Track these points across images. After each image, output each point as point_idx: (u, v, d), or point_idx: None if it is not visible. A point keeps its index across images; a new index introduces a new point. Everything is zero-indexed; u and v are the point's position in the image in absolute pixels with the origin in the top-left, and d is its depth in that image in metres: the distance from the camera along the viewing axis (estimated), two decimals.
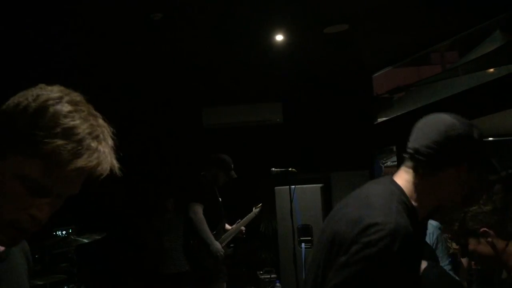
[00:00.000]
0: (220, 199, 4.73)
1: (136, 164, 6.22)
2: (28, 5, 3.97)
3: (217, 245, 4.43)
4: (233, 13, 4.58)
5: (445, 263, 3.33)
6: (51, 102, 0.95)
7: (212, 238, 4.42)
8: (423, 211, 1.46)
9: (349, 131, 6.85)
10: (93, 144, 0.95)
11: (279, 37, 5.25)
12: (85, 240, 4.68)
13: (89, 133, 0.95)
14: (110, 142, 1.00)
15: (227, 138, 6.91)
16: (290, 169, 4.61)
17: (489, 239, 1.82)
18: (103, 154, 0.96)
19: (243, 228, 4.85)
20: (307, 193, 5.57)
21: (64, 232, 5.36)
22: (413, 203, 1.42)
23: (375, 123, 7.12)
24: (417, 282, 1.48)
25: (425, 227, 1.59)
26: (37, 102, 0.94)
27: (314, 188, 5.67)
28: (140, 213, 6.80)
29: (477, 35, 5.71)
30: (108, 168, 0.97)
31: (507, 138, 7.32)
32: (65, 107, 0.95)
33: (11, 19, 4.19)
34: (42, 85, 1.01)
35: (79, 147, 0.93)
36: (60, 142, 0.91)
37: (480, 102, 5.21)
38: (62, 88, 1.00)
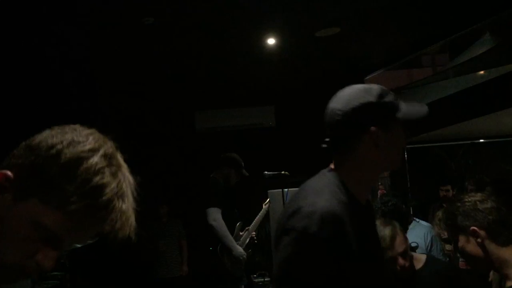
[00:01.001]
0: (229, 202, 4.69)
1: (128, 168, 6.20)
2: (23, 8, 3.95)
3: (239, 249, 4.40)
4: (225, 17, 4.58)
5: None
6: (86, 154, 0.88)
7: (234, 243, 4.39)
8: (364, 191, 1.46)
9: None
10: (118, 205, 0.90)
11: (271, 41, 5.26)
12: (77, 245, 4.64)
13: (116, 193, 0.90)
14: (131, 198, 0.95)
15: (220, 142, 6.90)
16: (283, 172, 4.61)
17: (479, 240, 1.78)
18: (126, 216, 0.92)
19: (253, 233, 4.81)
20: None
21: None
22: (351, 186, 1.42)
23: None
24: (368, 269, 1.38)
25: (371, 209, 1.52)
26: (72, 152, 0.88)
27: None
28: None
29: (467, 37, 5.76)
30: (128, 231, 0.92)
31: (498, 139, 7.39)
32: (99, 162, 0.89)
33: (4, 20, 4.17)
34: (78, 127, 0.94)
35: (105, 209, 0.88)
36: (87, 202, 0.86)
37: (470, 104, 5.26)
38: (98, 136, 0.94)
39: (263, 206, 4.99)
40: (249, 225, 4.85)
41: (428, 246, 3.38)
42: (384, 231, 2.32)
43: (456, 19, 5.16)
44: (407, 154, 7.03)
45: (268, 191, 5.66)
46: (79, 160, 0.88)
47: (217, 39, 5.14)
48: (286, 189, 4.65)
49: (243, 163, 4.78)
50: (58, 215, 0.86)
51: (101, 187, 0.87)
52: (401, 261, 2.30)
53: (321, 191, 1.39)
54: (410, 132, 1.54)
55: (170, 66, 5.80)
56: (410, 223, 3.50)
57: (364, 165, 1.43)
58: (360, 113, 1.40)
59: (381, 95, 1.45)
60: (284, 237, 1.32)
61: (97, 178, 0.87)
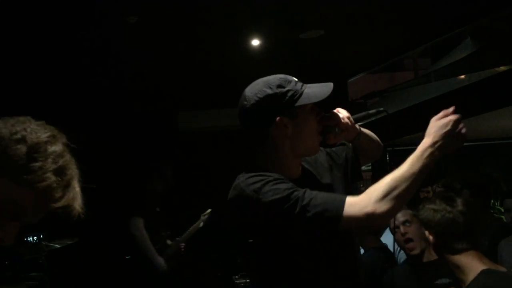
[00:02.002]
0: (158, 209, 4.63)
1: (109, 168, 6.14)
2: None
3: (161, 261, 4.36)
4: (210, 17, 4.57)
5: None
6: (48, 139, 1.01)
7: (155, 254, 4.34)
8: (286, 171, 1.49)
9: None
10: (75, 185, 1.04)
11: (256, 42, 5.27)
12: (57, 246, 4.59)
13: (75, 175, 1.04)
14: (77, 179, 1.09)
15: (204, 143, 6.88)
16: None
17: (433, 245, 1.81)
18: (80, 195, 1.05)
19: (182, 244, 4.74)
20: None
21: (35, 238, 5.24)
22: (272, 169, 1.48)
23: None
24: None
25: (300, 183, 1.51)
26: (35, 137, 1.00)
27: None
28: (114, 219, 6.70)
29: (449, 42, 5.84)
30: (80, 210, 1.05)
31: (478, 143, 7.51)
32: (59, 147, 1.03)
33: None
34: (30, 119, 1.06)
35: (67, 186, 1.01)
36: (54, 179, 0.98)
37: (451, 107, 5.33)
38: (51, 127, 1.07)
39: (201, 217, 4.90)
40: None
41: (397, 248, 3.43)
42: None
43: (437, 24, 5.23)
44: (389, 157, 7.10)
45: None
46: (44, 144, 1.00)
47: (202, 39, 5.13)
48: None
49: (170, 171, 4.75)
50: (29, 192, 0.96)
51: (65, 168, 1.02)
52: (402, 229, 2.47)
53: (243, 176, 1.50)
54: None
55: (154, 65, 5.76)
56: None
57: (280, 155, 1.48)
58: (262, 107, 1.45)
59: (279, 85, 1.50)
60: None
61: (61, 160, 1.01)
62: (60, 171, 1.00)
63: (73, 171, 1.04)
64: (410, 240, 2.51)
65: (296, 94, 1.51)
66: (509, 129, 6.66)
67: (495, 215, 5.94)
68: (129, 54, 5.36)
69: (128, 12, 4.27)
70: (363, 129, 1.62)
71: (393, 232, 2.61)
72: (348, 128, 1.51)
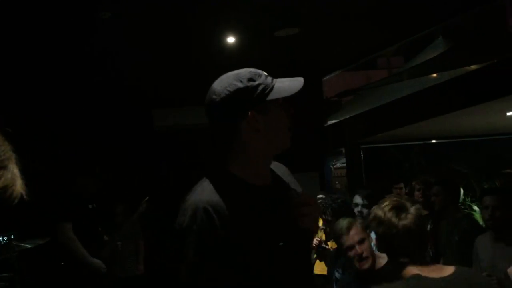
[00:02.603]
0: (93, 206, 4.56)
1: (83, 167, 6.04)
2: None
3: (96, 261, 4.31)
4: (185, 14, 4.54)
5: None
6: None
7: (88, 256, 4.26)
8: (258, 174, 1.43)
9: (299, 133, 6.92)
10: (11, 167, 1.01)
11: (231, 39, 5.26)
12: (28, 246, 4.49)
13: (11, 157, 1.01)
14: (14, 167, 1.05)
15: (179, 141, 6.83)
16: None
17: None
18: (18, 178, 1.02)
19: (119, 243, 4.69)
20: None
21: (5, 238, 5.12)
22: (240, 173, 1.41)
23: (325, 125, 7.25)
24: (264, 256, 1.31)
25: (269, 191, 1.44)
26: None
27: None
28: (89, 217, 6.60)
29: (421, 41, 5.94)
30: (20, 193, 1.02)
31: (449, 140, 7.66)
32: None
33: None
34: None
35: (4, 169, 0.98)
36: None
37: (424, 105, 5.42)
38: None
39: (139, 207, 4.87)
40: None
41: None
42: (343, 221, 2.56)
43: (410, 24, 5.31)
44: (363, 154, 7.19)
45: None
46: None
47: (177, 36, 5.09)
48: None
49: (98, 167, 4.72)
50: None
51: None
52: (358, 249, 2.44)
53: (199, 186, 1.40)
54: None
55: (128, 62, 5.69)
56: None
57: (250, 153, 1.41)
58: (232, 101, 1.39)
59: (250, 79, 1.44)
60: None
61: None
62: None
63: (8, 154, 1.01)
64: (365, 258, 2.48)
65: (267, 88, 1.45)
66: (479, 127, 6.82)
67: (465, 210, 6.07)
68: (102, 51, 5.28)
69: (102, 7, 4.21)
70: None
71: (345, 251, 2.59)
72: None
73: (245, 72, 1.47)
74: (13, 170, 1.01)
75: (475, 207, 6.63)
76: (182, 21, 4.71)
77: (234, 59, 5.79)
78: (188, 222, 1.30)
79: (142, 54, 5.51)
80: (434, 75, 5.72)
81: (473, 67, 5.14)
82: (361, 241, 2.51)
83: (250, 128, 1.39)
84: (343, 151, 7.38)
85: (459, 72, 5.17)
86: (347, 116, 6.84)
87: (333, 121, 7.17)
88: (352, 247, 2.50)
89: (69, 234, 4.21)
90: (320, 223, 4.71)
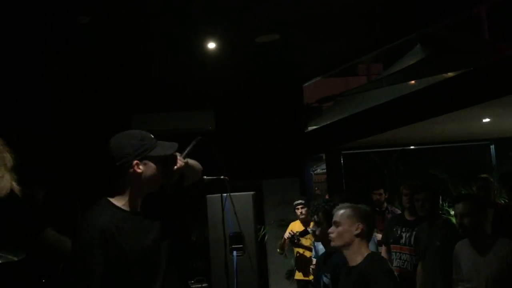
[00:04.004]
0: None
1: (62, 172, 5.94)
2: None
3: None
4: (165, 19, 4.52)
5: None
6: None
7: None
8: (134, 204, 1.96)
9: (280, 139, 6.95)
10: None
11: (211, 45, 5.25)
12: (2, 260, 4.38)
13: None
14: (10, 165, 1.08)
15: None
16: (222, 177, 4.59)
17: None
18: (5, 179, 1.04)
19: None
20: (239, 201, 5.57)
21: None
22: (120, 203, 1.94)
23: (305, 131, 7.28)
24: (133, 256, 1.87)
25: (137, 215, 1.97)
26: None
27: (246, 196, 5.68)
28: (66, 227, 6.48)
29: (400, 48, 6.02)
30: (4, 190, 1.05)
31: (427, 146, 7.77)
32: None
33: None
34: None
35: None
36: None
37: (402, 112, 5.48)
38: None
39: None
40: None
41: None
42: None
43: (389, 31, 5.38)
44: (343, 160, 7.24)
45: (207, 196, 5.63)
46: None
47: (156, 41, 5.06)
48: (225, 194, 4.64)
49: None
50: None
51: None
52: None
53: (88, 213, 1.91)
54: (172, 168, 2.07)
55: (106, 67, 5.63)
56: None
57: (132, 190, 1.96)
58: (123, 152, 1.93)
59: (141, 139, 2.00)
60: None
61: None
62: None
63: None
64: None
65: (150, 148, 2.00)
66: (456, 133, 6.94)
67: (443, 215, 6.14)
68: (81, 55, 5.22)
69: (80, 12, 4.16)
70: (189, 161, 2.38)
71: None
72: (181, 168, 2.19)
73: (138, 133, 2.04)
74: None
75: (452, 212, 6.72)
76: (163, 26, 4.69)
77: (215, 64, 5.78)
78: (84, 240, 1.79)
79: (121, 59, 5.46)
80: (413, 82, 5.80)
81: (450, 74, 5.22)
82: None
83: (134, 173, 1.92)
84: (323, 157, 7.42)
85: (436, 79, 5.26)
86: (328, 122, 6.88)
87: (314, 127, 7.21)
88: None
89: (57, 235, 4.19)
90: (310, 225, 4.75)
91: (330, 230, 2.58)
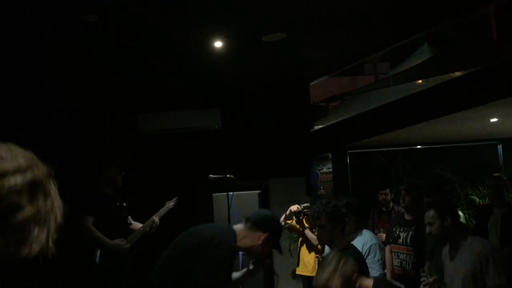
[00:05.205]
0: (119, 204, 4.62)
1: (69, 169, 5.97)
2: None
3: (115, 242, 4.37)
4: (172, 18, 4.53)
5: (375, 273, 3.43)
6: (9, 172, 0.87)
7: (106, 239, 4.35)
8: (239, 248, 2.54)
9: (286, 138, 6.95)
10: (34, 231, 0.89)
11: (218, 44, 5.25)
12: None
13: (34, 219, 0.89)
14: (53, 227, 0.94)
15: (165, 144, 6.80)
16: (228, 175, 4.60)
17: None
18: (40, 244, 0.91)
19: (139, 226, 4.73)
20: (245, 200, 5.59)
21: None
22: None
23: (312, 130, 7.27)
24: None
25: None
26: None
27: (252, 195, 5.70)
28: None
29: (407, 47, 6.00)
30: (36, 252, 0.91)
31: (433, 146, 7.74)
32: (19, 184, 0.88)
33: None
34: (13, 146, 0.93)
35: (20, 232, 0.87)
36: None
37: (409, 111, 5.47)
38: (31, 158, 0.93)
39: (166, 204, 4.89)
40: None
41: (365, 253, 3.50)
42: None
43: (396, 30, 5.36)
44: (349, 159, 7.22)
45: (213, 194, 5.64)
46: (2, 176, 0.87)
47: (164, 40, 5.07)
48: (231, 193, 4.65)
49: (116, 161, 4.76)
50: None
51: (14, 208, 0.86)
52: None
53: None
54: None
55: (114, 66, 5.66)
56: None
57: (244, 242, 2.54)
58: (266, 228, 2.58)
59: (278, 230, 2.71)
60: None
61: (10, 198, 0.86)
62: (6, 211, 0.85)
63: (35, 214, 0.88)
64: None
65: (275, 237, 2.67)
66: (463, 133, 6.90)
67: None
68: (88, 54, 5.24)
69: (88, 10, 4.18)
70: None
71: None
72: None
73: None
74: (29, 233, 0.88)
75: (460, 213, 6.69)
76: (170, 25, 4.70)
77: (222, 63, 5.79)
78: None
79: (128, 58, 5.48)
80: (420, 81, 5.78)
81: (457, 73, 5.20)
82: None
83: (257, 237, 2.57)
84: (330, 156, 7.41)
85: (444, 79, 5.23)
86: (334, 121, 6.87)
87: (320, 126, 7.20)
88: None
89: (88, 224, 4.27)
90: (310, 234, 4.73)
91: None
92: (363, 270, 2.91)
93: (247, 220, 2.61)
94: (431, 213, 3.05)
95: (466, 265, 2.92)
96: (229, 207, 4.57)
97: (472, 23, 5.40)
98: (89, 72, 5.74)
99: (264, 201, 6.18)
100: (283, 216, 4.90)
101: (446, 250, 3.20)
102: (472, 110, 4.82)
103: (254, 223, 2.58)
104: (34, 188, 0.90)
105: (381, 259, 3.70)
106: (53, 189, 0.94)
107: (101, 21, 4.38)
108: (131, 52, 5.33)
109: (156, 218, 4.71)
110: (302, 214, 4.82)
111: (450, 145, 7.63)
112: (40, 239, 0.90)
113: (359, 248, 3.33)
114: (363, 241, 3.63)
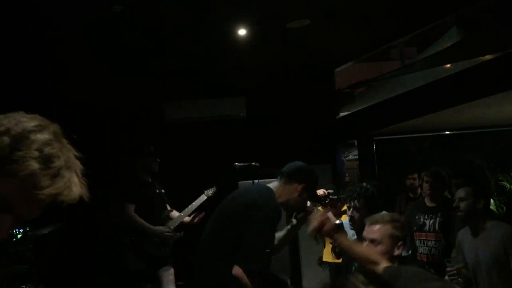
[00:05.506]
0: (158, 191, 4.72)
1: (97, 158, 6.10)
2: None
3: (159, 228, 4.46)
4: (196, 7, 4.54)
5: None
6: (33, 128, 0.99)
7: (150, 225, 4.45)
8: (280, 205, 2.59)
9: (312, 125, 6.92)
10: (67, 174, 1.01)
11: (242, 32, 5.24)
12: (45, 231, 4.64)
13: (65, 164, 1.01)
14: (80, 174, 1.06)
15: (190, 133, 6.85)
16: (253, 163, 4.62)
17: None
18: (75, 185, 1.03)
19: (187, 218, 4.80)
20: None
21: (21, 230, 5.20)
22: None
23: (337, 117, 7.22)
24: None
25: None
26: (20, 127, 0.99)
27: None
28: (100, 209, 6.67)
29: (435, 31, 5.87)
30: (77, 197, 1.04)
31: (462, 132, 7.58)
32: (46, 136, 1.00)
33: None
34: (22, 113, 1.05)
35: (56, 175, 0.98)
36: (38, 166, 0.95)
37: (437, 97, 5.37)
38: (42, 118, 1.05)
39: (204, 192, 4.95)
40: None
41: None
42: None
43: (423, 13, 5.25)
44: (375, 146, 7.15)
45: (239, 182, 5.67)
46: (27, 133, 0.98)
47: (188, 29, 5.09)
48: (256, 180, 4.66)
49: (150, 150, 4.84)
50: (11, 181, 0.94)
51: (50, 156, 0.98)
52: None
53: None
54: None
55: (140, 56, 5.71)
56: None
57: (284, 196, 2.71)
58: (303, 176, 2.79)
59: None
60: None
61: (46, 148, 0.98)
62: (47, 159, 0.97)
63: (64, 160, 1.01)
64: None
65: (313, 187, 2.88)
66: (493, 118, 6.74)
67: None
68: (113, 44, 5.31)
69: (113, 1, 4.22)
70: None
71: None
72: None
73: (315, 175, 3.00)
74: (68, 178, 1.01)
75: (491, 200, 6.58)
76: (194, 14, 4.71)
77: (246, 51, 5.78)
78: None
79: (153, 47, 5.52)
80: (448, 65, 5.66)
81: (487, 57, 5.07)
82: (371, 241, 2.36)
83: (294, 189, 2.75)
84: (356, 143, 7.35)
85: (472, 63, 5.11)
86: (360, 108, 6.80)
87: (346, 113, 7.14)
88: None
89: (131, 212, 4.41)
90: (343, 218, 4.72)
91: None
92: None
93: (281, 174, 2.58)
94: (466, 189, 3.02)
95: (489, 248, 2.90)
96: None
97: (501, 4, 5.24)
98: (115, 62, 5.82)
99: None
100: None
101: (464, 232, 3.17)
102: (502, 94, 4.70)
103: (289, 176, 2.57)
104: (58, 140, 1.02)
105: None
106: (67, 144, 1.07)
107: (127, 11, 4.42)
108: (156, 42, 5.37)
109: (187, 219, 4.81)
110: (327, 199, 4.80)
111: (479, 131, 7.46)
112: (75, 182, 1.03)
113: None
114: None
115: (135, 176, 4.74)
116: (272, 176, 5.75)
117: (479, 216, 3.01)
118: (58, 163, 0.99)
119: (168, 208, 4.84)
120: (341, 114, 7.20)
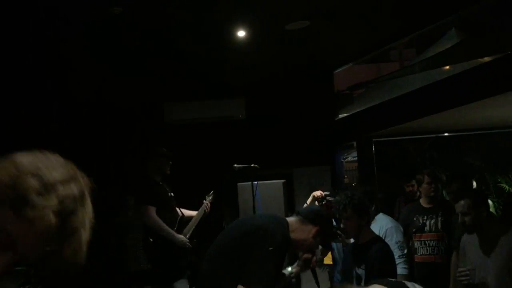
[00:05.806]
0: (171, 194, 4.70)
1: (96, 159, 6.09)
2: None
3: (181, 237, 4.43)
4: (195, 8, 4.54)
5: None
6: (63, 180, 0.99)
7: (174, 233, 4.41)
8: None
9: (311, 127, 6.92)
10: (79, 234, 1.02)
11: (241, 33, 5.25)
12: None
13: (81, 222, 1.02)
14: (89, 227, 1.06)
15: (190, 134, 6.85)
16: (252, 165, 4.62)
17: None
18: (84, 245, 1.03)
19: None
20: (270, 189, 5.60)
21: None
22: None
23: (336, 119, 7.22)
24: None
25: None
26: (50, 175, 0.98)
27: (277, 184, 5.70)
28: (100, 209, 6.65)
29: (434, 33, 5.87)
30: (80, 258, 1.05)
31: (461, 133, 7.59)
32: (72, 191, 1.00)
33: None
34: (50, 155, 1.04)
35: (70, 236, 1.00)
36: (54, 221, 0.96)
37: (436, 98, 5.37)
38: (70, 166, 1.05)
39: (206, 198, 4.92)
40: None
41: (382, 236, 3.52)
42: None
43: (422, 15, 5.26)
44: (374, 147, 7.15)
45: (238, 183, 5.67)
46: (57, 184, 0.98)
47: (188, 31, 5.09)
48: (255, 182, 4.66)
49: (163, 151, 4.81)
50: (25, 227, 0.94)
51: (71, 213, 0.99)
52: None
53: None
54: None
55: (140, 56, 5.71)
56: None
57: (297, 235, 2.61)
58: (319, 220, 2.68)
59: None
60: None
61: (70, 204, 0.98)
62: (65, 216, 0.98)
63: (82, 220, 1.01)
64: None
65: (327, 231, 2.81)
66: (492, 119, 6.74)
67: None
68: (112, 45, 5.31)
69: (113, 2, 4.22)
70: None
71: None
72: None
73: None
74: (78, 240, 1.01)
75: (489, 201, 6.57)
76: (194, 15, 4.71)
77: (246, 52, 5.78)
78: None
79: (152, 48, 5.52)
80: (447, 67, 5.66)
81: (486, 59, 5.07)
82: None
83: (308, 230, 2.70)
84: (355, 145, 7.35)
85: (472, 64, 5.11)
86: (359, 109, 6.80)
87: (345, 115, 7.13)
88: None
89: (154, 214, 4.39)
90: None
91: None
92: (391, 262, 2.89)
93: (297, 214, 2.65)
94: (467, 202, 2.98)
95: (497, 259, 2.87)
96: (253, 197, 4.59)
97: (501, 5, 5.24)
98: (114, 63, 5.82)
99: (288, 191, 6.18)
100: (309, 200, 4.92)
101: (465, 238, 3.15)
102: (501, 96, 4.70)
103: (305, 216, 2.62)
104: (82, 195, 1.03)
105: (399, 241, 3.71)
106: (87, 192, 1.08)
107: (126, 13, 4.42)
108: (155, 43, 5.37)
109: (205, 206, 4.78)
110: (324, 200, 4.81)
111: (479, 132, 7.46)
112: (86, 242, 1.04)
113: (376, 232, 3.32)
114: (379, 225, 3.65)
115: (147, 177, 4.67)
116: (271, 177, 5.78)
117: (486, 224, 2.99)
118: (75, 222, 0.99)
119: (178, 210, 4.79)
120: (340, 116, 7.20)
